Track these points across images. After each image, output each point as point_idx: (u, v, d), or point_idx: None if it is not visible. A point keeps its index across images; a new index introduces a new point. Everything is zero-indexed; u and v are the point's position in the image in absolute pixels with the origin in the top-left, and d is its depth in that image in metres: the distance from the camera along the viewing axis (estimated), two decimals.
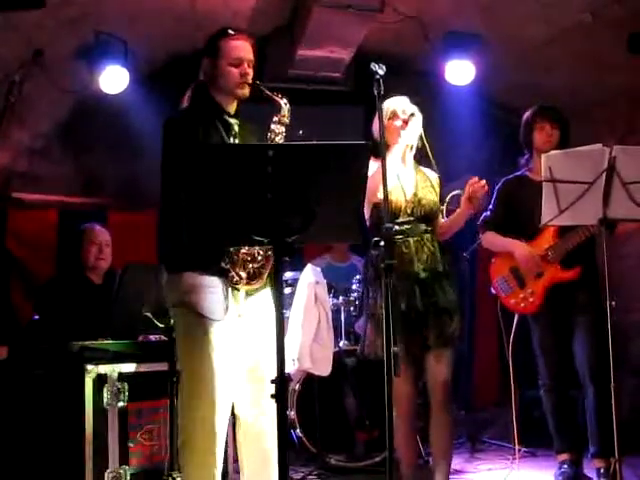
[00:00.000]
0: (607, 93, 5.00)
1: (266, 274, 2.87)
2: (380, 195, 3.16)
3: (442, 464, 3.37)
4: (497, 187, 4.01)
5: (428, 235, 3.38)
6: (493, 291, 3.99)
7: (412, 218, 3.35)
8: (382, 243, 2.58)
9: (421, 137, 3.41)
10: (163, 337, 3.58)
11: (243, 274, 2.82)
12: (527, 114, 3.99)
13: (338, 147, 2.25)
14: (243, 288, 2.85)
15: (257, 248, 2.81)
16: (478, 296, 5.77)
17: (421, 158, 3.48)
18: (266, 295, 2.94)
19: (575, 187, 3.27)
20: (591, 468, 3.78)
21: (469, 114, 5.63)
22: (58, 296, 4.21)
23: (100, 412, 3.39)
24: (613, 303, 3.28)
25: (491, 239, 3.98)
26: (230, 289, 2.82)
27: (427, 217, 3.39)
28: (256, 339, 2.94)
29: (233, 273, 2.80)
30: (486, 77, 5.40)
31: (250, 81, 2.91)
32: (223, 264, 2.78)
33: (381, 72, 2.78)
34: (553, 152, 3.46)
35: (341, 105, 5.92)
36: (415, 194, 3.38)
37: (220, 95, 2.95)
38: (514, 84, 5.56)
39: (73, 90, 5.06)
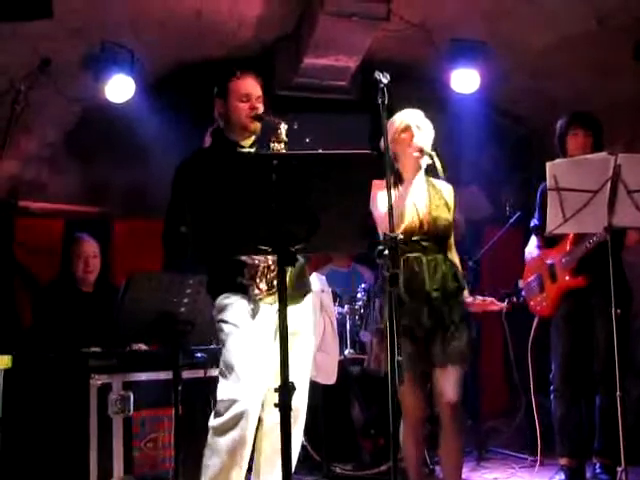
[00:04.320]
0: (612, 100, 4.99)
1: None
2: (398, 230, 3.16)
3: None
4: (539, 191, 4.05)
5: (441, 255, 3.30)
6: (523, 293, 4.17)
7: (426, 237, 3.26)
8: (386, 252, 2.57)
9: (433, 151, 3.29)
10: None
11: (263, 286, 2.99)
12: (561, 121, 4.03)
13: (343, 156, 2.25)
14: (266, 300, 3.00)
15: (271, 259, 2.97)
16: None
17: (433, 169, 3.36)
18: (298, 309, 3.07)
19: (580, 195, 3.27)
20: (592, 465, 3.89)
21: (474, 122, 5.63)
22: (50, 304, 4.27)
23: (105, 421, 3.40)
24: (618, 311, 3.30)
25: (530, 244, 4.17)
26: (259, 303, 3.01)
27: (441, 236, 3.31)
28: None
29: (254, 286, 2.98)
30: (491, 85, 5.40)
31: (260, 114, 3.09)
32: (243, 280, 2.98)
33: (385, 80, 2.77)
34: (558, 160, 3.48)
35: (347, 113, 5.92)
36: (429, 213, 3.29)
37: (234, 133, 3.17)
38: (519, 92, 5.57)
39: (80, 99, 5.09)
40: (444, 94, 5.47)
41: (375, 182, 3.22)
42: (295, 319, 2.98)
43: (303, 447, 4.35)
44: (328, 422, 4.40)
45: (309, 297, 3.17)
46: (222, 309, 3.01)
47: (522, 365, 4.36)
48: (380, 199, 3.16)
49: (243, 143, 3.16)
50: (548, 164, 3.38)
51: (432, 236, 3.27)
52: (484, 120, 5.75)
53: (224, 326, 2.99)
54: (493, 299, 3.43)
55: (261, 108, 3.12)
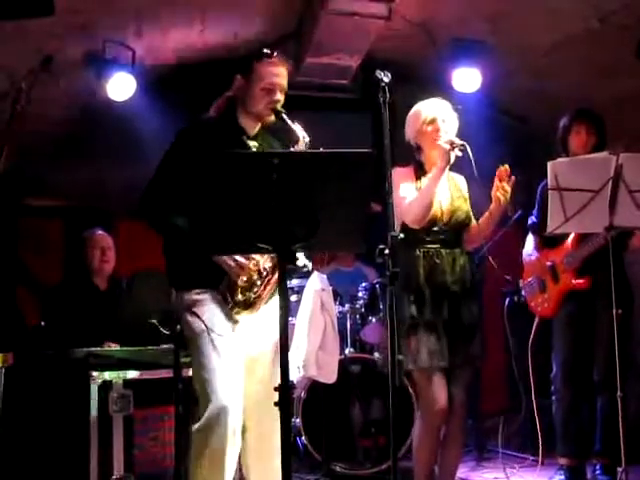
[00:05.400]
0: (614, 99, 4.98)
1: (262, 303, 2.92)
2: (424, 222, 3.15)
3: None
4: (538, 189, 4.04)
5: (459, 249, 3.29)
6: (523, 293, 4.13)
7: (447, 228, 3.26)
8: (387, 251, 2.57)
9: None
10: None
11: (239, 300, 2.87)
12: (564, 119, 4.01)
13: (343, 155, 2.25)
14: (239, 313, 2.90)
15: (255, 277, 2.87)
16: (485, 304, 5.75)
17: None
18: (275, 304, 2.96)
19: (581, 195, 3.27)
20: (592, 466, 3.91)
21: (476, 121, 5.57)
22: (64, 302, 4.24)
23: (105, 419, 3.40)
24: (619, 311, 3.29)
25: (527, 244, 4.13)
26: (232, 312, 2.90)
27: (460, 228, 3.32)
28: (262, 347, 2.99)
29: (229, 298, 2.86)
30: (493, 84, 5.39)
31: (278, 108, 2.93)
32: (221, 287, 2.86)
33: (386, 79, 2.76)
34: (559, 160, 3.47)
35: (348, 112, 5.92)
36: (451, 204, 3.29)
37: (245, 115, 3.00)
38: (521, 91, 5.55)
39: (81, 97, 5.09)
40: (445, 93, 5.45)
41: (398, 170, 3.24)
42: (262, 322, 2.95)
43: (303, 446, 4.38)
44: (328, 421, 4.40)
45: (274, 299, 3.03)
46: (193, 304, 2.88)
47: (523, 364, 4.35)
48: (404, 188, 3.16)
49: (249, 130, 3.01)
50: (549, 163, 3.38)
51: (452, 227, 3.28)
52: (486, 119, 5.72)
53: (194, 324, 2.87)
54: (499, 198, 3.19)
55: (282, 100, 2.95)
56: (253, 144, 3.01)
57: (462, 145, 3.15)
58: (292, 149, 2.94)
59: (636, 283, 3.98)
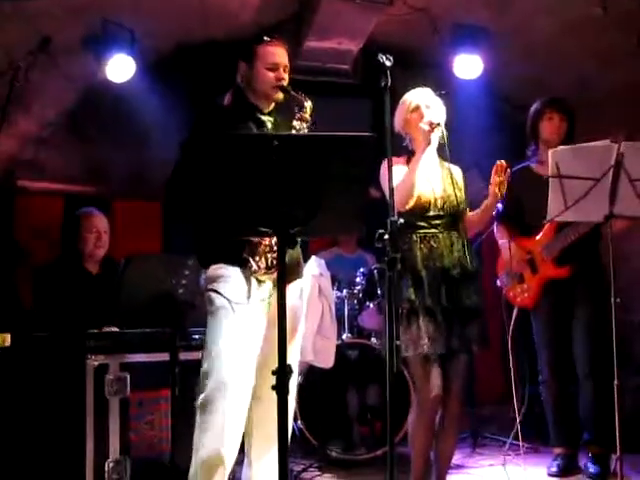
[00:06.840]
0: (616, 88, 4.97)
1: None
2: (409, 205, 3.17)
3: (441, 469, 3.35)
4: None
5: (457, 233, 3.31)
6: (499, 283, 4.08)
7: (442, 213, 3.29)
8: (386, 236, 2.55)
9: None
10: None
11: (262, 264, 2.94)
12: (536, 104, 4.01)
13: (343, 139, 2.24)
14: (263, 277, 2.97)
15: (275, 239, 2.91)
16: (482, 292, 5.74)
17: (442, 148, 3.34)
18: (296, 287, 3.04)
19: (582, 183, 3.26)
20: (584, 455, 3.94)
21: (476, 108, 5.59)
22: (54, 285, 4.16)
23: (101, 402, 3.39)
24: (618, 300, 3.28)
25: (497, 233, 4.08)
26: (254, 280, 2.96)
27: (456, 214, 3.33)
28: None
29: (252, 262, 2.93)
30: (494, 71, 5.37)
31: (285, 86, 3.03)
32: (244, 254, 2.92)
33: (388, 63, 2.74)
34: (560, 147, 3.46)
35: (348, 97, 5.90)
36: (444, 190, 3.32)
37: (255, 97, 3.10)
38: (522, 78, 5.53)
39: (80, 78, 5.06)
40: (446, 79, 5.44)
41: (392, 159, 3.25)
42: (293, 297, 2.97)
43: (299, 430, 4.39)
44: (324, 406, 4.41)
45: (297, 283, 3.10)
46: (215, 279, 2.94)
47: (518, 352, 4.36)
48: (394, 174, 3.15)
49: (263, 108, 3.10)
50: (550, 151, 3.37)
51: (447, 213, 3.30)
52: (486, 106, 5.72)
53: (215, 298, 2.92)
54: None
55: (287, 79, 3.06)
56: (268, 119, 3.09)
57: (437, 124, 3.20)
58: (297, 115, 3.04)
59: (636, 278, 3.99)
